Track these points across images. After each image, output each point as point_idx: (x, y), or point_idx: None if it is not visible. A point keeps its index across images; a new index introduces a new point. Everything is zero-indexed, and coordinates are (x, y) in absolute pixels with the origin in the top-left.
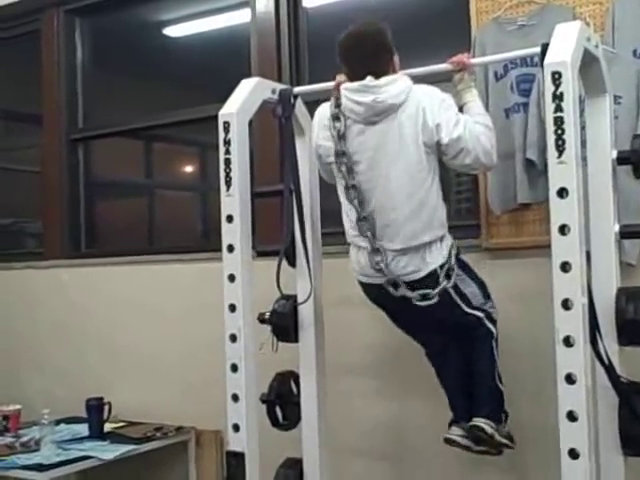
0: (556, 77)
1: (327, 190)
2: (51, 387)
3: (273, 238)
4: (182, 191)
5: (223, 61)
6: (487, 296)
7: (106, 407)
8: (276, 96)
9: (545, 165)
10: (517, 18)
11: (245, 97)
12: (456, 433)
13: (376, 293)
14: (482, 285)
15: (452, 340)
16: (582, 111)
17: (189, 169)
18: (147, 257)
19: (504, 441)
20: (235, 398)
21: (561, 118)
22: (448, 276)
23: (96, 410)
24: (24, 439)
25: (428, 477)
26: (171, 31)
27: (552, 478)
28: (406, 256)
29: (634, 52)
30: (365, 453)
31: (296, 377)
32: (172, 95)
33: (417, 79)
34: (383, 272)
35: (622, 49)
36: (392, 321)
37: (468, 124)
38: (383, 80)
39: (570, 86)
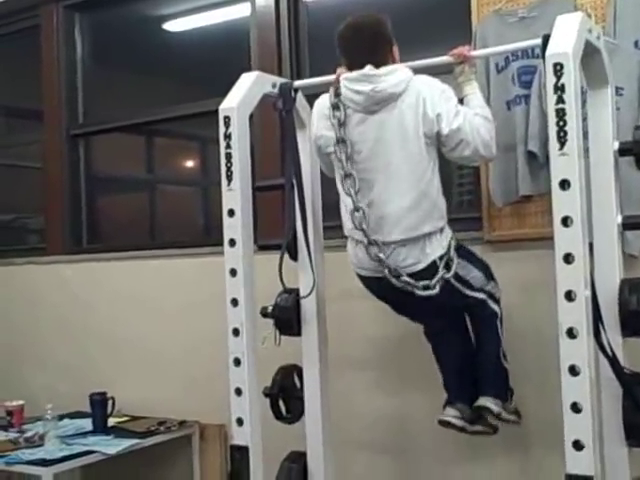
0: (558, 68)
1: (328, 184)
2: (54, 382)
3: (274, 232)
4: (183, 186)
5: (223, 55)
6: (489, 277)
7: (110, 402)
8: (276, 90)
9: (547, 157)
10: (518, 10)
11: (245, 91)
12: (450, 414)
13: (376, 285)
14: (484, 267)
15: (453, 322)
16: (584, 102)
17: (190, 164)
18: (149, 252)
19: (511, 418)
20: (238, 392)
21: (563, 110)
22: (448, 266)
23: (100, 405)
24: (28, 434)
25: (431, 469)
26: (171, 26)
27: (556, 469)
28: (405, 248)
29: (635, 43)
30: (368, 445)
31: (299, 370)
32: (172, 90)
33: (417, 71)
34: (383, 264)
35: (623, 40)
36: (393, 309)
37: (468, 116)
38: (383, 70)
39: (572, 77)
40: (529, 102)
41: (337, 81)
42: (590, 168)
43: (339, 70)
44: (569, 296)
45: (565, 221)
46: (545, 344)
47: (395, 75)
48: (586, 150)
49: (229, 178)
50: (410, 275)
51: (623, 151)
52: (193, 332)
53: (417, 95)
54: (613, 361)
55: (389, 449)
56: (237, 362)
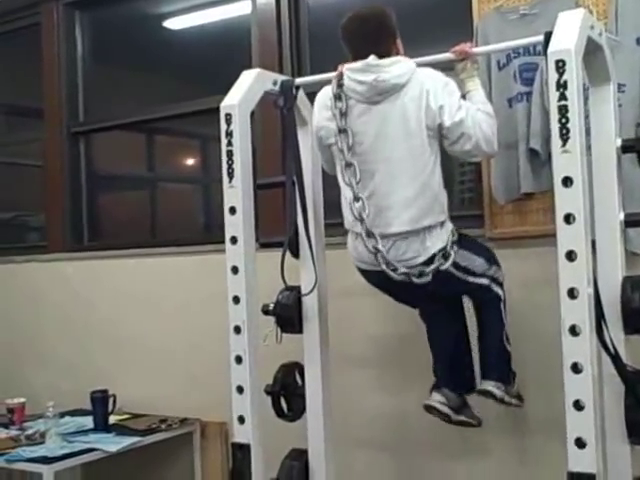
0: (560, 65)
1: (330, 181)
2: (55, 380)
3: (276, 230)
4: (184, 184)
5: (224, 53)
6: (491, 261)
7: (111, 399)
8: (277, 87)
9: (548, 154)
10: (519, 7)
11: (247, 88)
12: (436, 399)
13: (376, 278)
14: (486, 253)
15: (451, 306)
16: (585, 100)
17: (191, 162)
18: (150, 250)
19: (514, 401)
20: (240, 390)
21: (565, 107)
22: (445, 257)
23: (101, 402)
24: (29, 432)
25: (432, 466)
26: (171, 23)
27: (559, 467)
28: (406, 241)
29: (637, 40)
30: (370, 443)
31: (300, 368)
32: (173, 88)
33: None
34: (381, 257)
35: (625, 37)
36: (394, 298)
37: (470, 110)
38: (387, 61)
39: (574, 74)
40: (530, 99)
41: (340, 72)
42: (592, 165)
43: (341, 68)
44: (572, 293)
45: (568, 218)
46: (547, 342)
47: (399, 66)
48: (588, 147)
49: (230, 176)
50: (408, 267)
51: (625, 148)
52: (194, 330)
53: (420, 87)
54: (615, 358)
55: (390, 446)
56: (238, 360)
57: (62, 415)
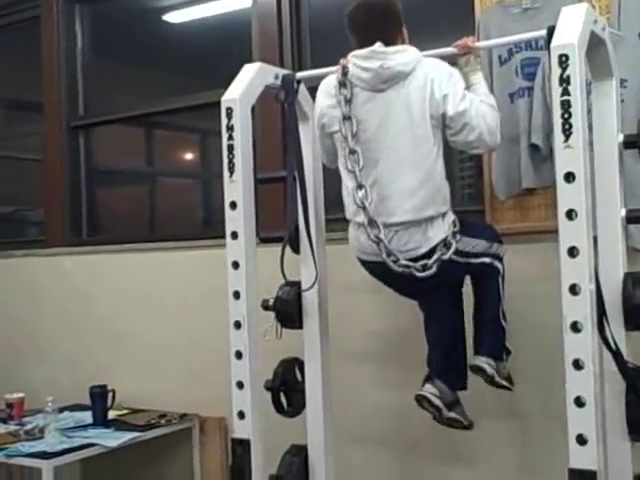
0: (563, 60)
1: (330, 176)
2: (55, 375)
3: (276, 225)
4: (183, 178)
5: (224, 47)
6: (492, 239)
7: (110, 394)
8: (279, 81)
9: (550, 150)
10: (521, 1)
11: (247, 82)
12: (429, 391)
13: (378, 269)
14: (486, 233)
15: (451, 296)
16: (588, 94)
17: (190, 156)
18: (149, 244)
19: (503, 383)
20: (240, 385)
21: (568, 102)
22: (447, 247)
23: (100, 397)
24: (28, 427)
25: (432, 462)
26: (171, 17)
27: (560, 464)
28: (408, 231)
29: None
30: (370, 439)
31: (300, 364)
32: (173, 82)
33: None
34: (382, 247)
35: (627, 32)
36: (395, 290)
37: (474, 102)
38: (392, 48)
39: (577, 69)
40: (532, 94)
41: (346, 60)
42: (594, 161)
43: (343, 61)
44: (573, 290)
45: (570, 214)
46: (549, 338)
47: (404, 54)
48: (590, 143)
49: (231, 170)
50: (409, 259)
51: (627, 144)
52: (194, 325)
53: (425, 77)
54: (617, 355)
55: (390, 442)
56: (238, 355)
57: (61, 410)
